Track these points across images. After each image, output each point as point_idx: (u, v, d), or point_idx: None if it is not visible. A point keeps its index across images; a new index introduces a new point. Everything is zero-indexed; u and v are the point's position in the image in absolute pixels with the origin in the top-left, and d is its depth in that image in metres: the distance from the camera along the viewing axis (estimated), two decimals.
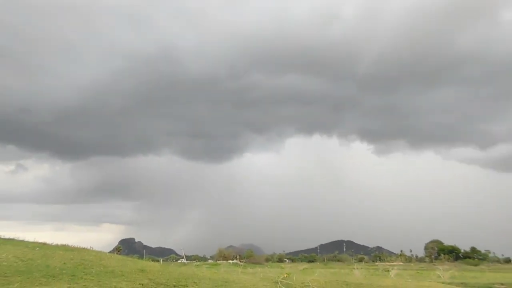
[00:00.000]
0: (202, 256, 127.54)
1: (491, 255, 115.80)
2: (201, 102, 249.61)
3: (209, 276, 23.19)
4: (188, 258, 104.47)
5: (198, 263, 78.26)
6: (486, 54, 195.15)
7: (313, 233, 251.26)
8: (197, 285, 20.19)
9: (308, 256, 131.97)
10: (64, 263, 18.57)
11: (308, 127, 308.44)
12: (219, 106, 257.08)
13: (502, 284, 29.97)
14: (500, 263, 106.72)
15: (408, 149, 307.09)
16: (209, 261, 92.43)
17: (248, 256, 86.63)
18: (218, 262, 76.85)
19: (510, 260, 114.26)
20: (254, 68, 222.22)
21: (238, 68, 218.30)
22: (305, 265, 55.17)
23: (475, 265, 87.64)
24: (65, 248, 22.60)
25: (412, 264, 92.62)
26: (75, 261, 19.37)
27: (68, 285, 15.65)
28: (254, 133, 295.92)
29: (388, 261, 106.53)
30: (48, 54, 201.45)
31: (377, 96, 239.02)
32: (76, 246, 23.96)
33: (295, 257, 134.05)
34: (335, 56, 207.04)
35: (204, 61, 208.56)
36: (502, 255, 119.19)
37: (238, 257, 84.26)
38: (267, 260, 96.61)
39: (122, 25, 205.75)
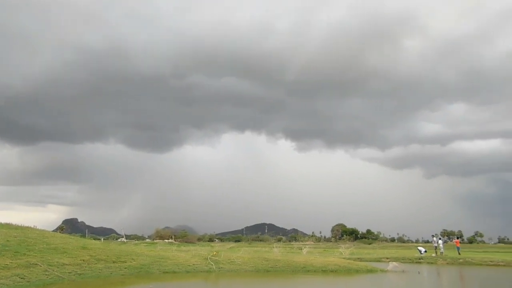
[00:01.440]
0: (140, 235, 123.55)
1: (381, 235, 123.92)
2: (148, 97, 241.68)
3: (147, 253, 22.61)
4: (127, 237, 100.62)
5: (136, 241, 75.68)
6: (390, 72, 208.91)
7: (240, 217, 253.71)
8: (135, 260, 19.61)
9: (235, 236, 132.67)
10: (8, 240, 17.19)
11: (241, 125, 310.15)
12: (164, 102, 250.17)
13: (387, 258, 32.26)
14: (388, 242, 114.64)
15: (324, 148, 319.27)
16: (147, 240, 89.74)
17: (182, 236, 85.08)
18: (155, 241, 74.84)
19: (394, 240, 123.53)
20: (197, 70, 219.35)
21: (182, 69, 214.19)
22: (232, 245, 55.32)
23: (369, 243, 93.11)
24: (8, 226, 20.91)
25: (321, 244, 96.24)
26: (19, 238, 18.01)
27: (11, 261, 14.52)
28: (193, 128, 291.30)
29: (302, 241, 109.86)
30: (1, 43, 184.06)
31: (301, 101, 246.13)
32: (19, 224, 22.22)
33: (224, 237, 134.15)
34: (267, 64, 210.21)
35: (152, 60, 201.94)
36: (389, 235, 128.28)
37: (173, 236, 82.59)
38: (199, 239, 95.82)
39: (75, 19, 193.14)
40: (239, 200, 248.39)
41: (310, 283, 18.05)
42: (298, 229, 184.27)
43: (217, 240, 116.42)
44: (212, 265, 20.39)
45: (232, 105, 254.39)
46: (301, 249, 41.84)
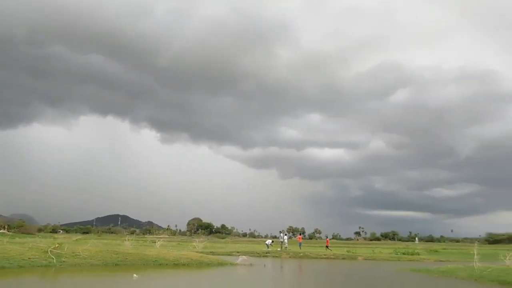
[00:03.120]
0: None
1: (235, 230, 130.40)
2: None
3: None
4: None
5: None
6: (260, 76, 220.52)
7: (91, 206, 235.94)
8: None
9: (84, 228, 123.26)
10: None
11: (103, 109, 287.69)
12: (11, 70, 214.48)
13: (238, 252, 34.14)
14: (240, 236, 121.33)
15: (189, 142, 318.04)
16: None
17: (18, 226, 74.77)
18: None
19: (246, 235, 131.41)
20: (58, 40, 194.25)
21: (39, 35, 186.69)
22: (79, 236, 50.81)
23: (223, 238, 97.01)
24: None
25: (175, 237, 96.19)
26: None
27: None
28: (46, 105, 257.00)
29: (157, 234, 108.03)
30: None
31: (171, 91, 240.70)
32: None
33: (71, 228, 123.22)
34: (139, 47, 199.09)
35: None
36: (242, 230, 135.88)
37: (6, 226, 71.99)
38: (40, 230, 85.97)
39: None
40: (91, 189, 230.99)
41: (158, 277, 17.85)
42: (153, 222, 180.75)
43: (62, 231, 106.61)
44: (52, 258, 18.46)
45: (96, 85, 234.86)
46: (155, 242, 41.05)
